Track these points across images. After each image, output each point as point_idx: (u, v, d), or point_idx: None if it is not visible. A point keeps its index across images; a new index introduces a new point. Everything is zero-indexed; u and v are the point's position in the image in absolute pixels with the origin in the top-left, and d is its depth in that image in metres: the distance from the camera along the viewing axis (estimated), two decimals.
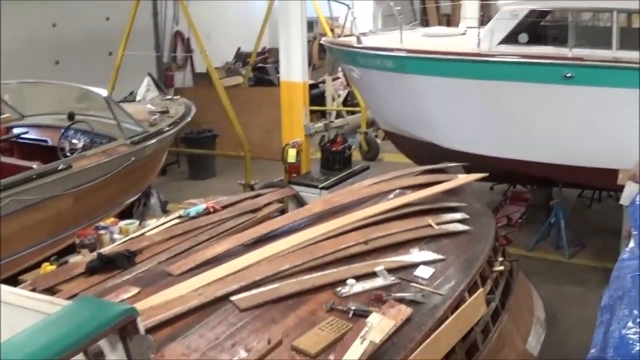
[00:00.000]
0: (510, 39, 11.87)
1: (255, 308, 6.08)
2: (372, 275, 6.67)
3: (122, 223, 9.03)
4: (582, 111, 11.35)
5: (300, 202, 11.19)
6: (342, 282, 6.51)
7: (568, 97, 11.33)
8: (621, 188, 9.39)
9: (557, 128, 11.62)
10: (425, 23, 24.30)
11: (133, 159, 11.88)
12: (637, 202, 7.80)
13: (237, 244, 7.61)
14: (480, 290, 6.85)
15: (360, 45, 13.44)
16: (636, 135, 10.86)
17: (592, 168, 11.50)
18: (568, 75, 11.17)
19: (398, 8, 14.10)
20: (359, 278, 6.60)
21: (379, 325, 5.55)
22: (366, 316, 5.75)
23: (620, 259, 6.80)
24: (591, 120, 11.33)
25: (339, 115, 20.05)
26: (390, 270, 6.76)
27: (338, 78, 21.31)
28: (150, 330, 5.48)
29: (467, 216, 8.52)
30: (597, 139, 11.35)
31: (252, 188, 14.36)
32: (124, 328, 3.72)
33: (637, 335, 5.40)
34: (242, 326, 5.78)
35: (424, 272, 6.86)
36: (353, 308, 5.94)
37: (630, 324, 5.51)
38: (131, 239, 8.18)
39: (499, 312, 7.31)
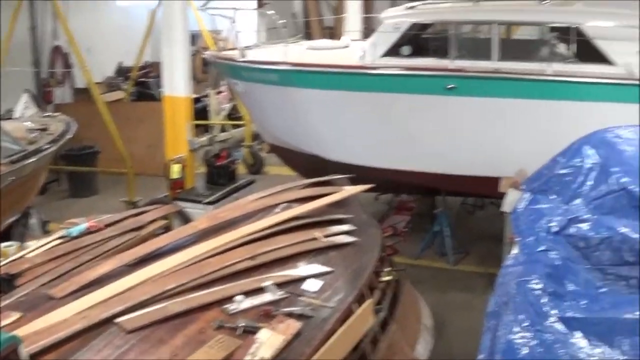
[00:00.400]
0: (393, 51, 12.02)
1: (141, 329, 5.95)
2: (261, 290, 6.62)
3: (1, 245, 8.74)
4: (465, 121, 11.59)
5: (185, 219, 11.05)
6: (230, 299, 6.45)
7: (450, 108, 11.54)
8: (503, 195, 9.59)
9: (441, 138, 11.82)
10: (308, 36, 24.41)
11: (12, 178, 11.51)
12: (519, 209, 7.95)
13: (121, 264, 7.43)
14: (369, 301, 6.89)
15: (244, 59, 13.38)
16: (517, 143, 11.19)
17: (475, 176, 11.73)
18: (450, 86, 11.39)
19: (282, 21, 14.12)
20: (247, 294, 6.54)
21: (268, 341, 5.53)
22: (255, 332, 5.71)
23: (504, 266, 6.92)
24: (473, 130, 11.59)
25: (223, 129, 19.93)
26: (279, 285, 6.73)
27: (222, 92, 21.19)
28: (35, 356, 5.32)
29: (353, 227, 8.55)
30: (480, 148, 11.61)
31: (135, 205, 14.13)
32: (7, 357, 3.58)
33: (523, 340, 5.51)
34: (129, 348, 5.66)
35: (312, 285, 6.86)
36: (242, 325, 5.89)
37: (516, 329, 5.62)
38: (11, 261, 7.89)
39: (388, 322, 7.37)
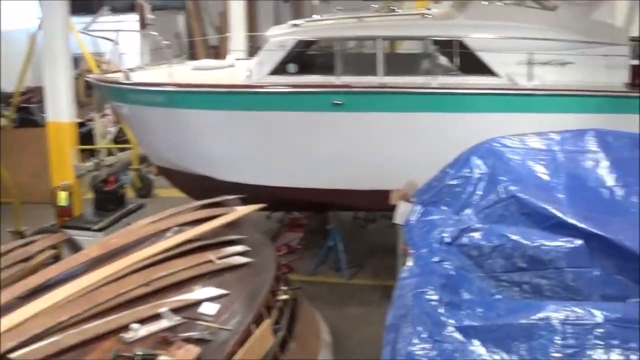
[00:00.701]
0: (280, 69, 12.04)
1: None
2: (157, 317, 6.51)
3: None
4: (353, 136, 11.69)
5: (75, 247, 10.76)
6: (126, 327, 6.31)
7: (338, 124, 11.63)
8: (394, 208, 9.69)
9: (330, 154, 11.88)
10: (193, 56, 24.25)
11: None
12: (411, 221, 8.03)
13: (11, 297, 7.20)
14: (267, 321, 6.87)
15: (128, 82, 13.17)
16: (406, 156, 11.34)
17: (366, 190, 11.84)
18: (337, 102, 11.47)
19: (165, 42, 13.97)
20: (143, 321, 6.42)
21: None
22: None
23: (400, 278, 6.97)
24: (362, 145, 11.70)
25: (109, 153, 19.57)
26: (175, 310, 6.64)
27: (107, 115, 20.82)
28: None
29: (247, 248, 8.51)
30: (369, 162, 11.72)
31: (22, 235, 13.70)
32: None
33: (423, 351, 5.57)
34: None
35: (209, 308, 6.78)
36: (139, 353, 5.78)
37: (415, 340, 5.67)
38: None
39: (287, 340, 7.35)
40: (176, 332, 6.23)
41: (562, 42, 11.68)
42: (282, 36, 12.33)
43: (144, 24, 15.51)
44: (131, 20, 17.07)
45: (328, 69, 12.00)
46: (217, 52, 24.83)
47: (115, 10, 19.69)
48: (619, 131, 8.42)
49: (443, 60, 12.07)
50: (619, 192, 7.78)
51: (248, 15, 22.79)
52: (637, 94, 11.55)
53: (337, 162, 11.84)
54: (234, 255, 8.25)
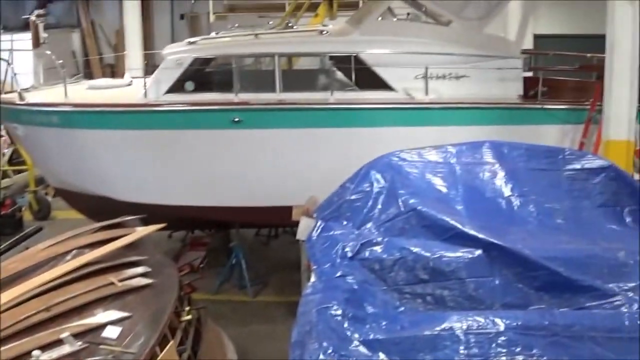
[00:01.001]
0: (177, 87, 11.95)
1: None
2: (59, 343, 6.35)
3: None
4: (253, 153, 11.69)
5: None
6: (28, 354, 6.14)
7: (238, 141, 11.61)
8: (297, 223, 9.70)
9: (230, 171, 11.84)
10: (89, 75, 23.86)
11: None
12: (313, 237, 8.03)
13: None
14: (171, 342, 6.77)
15: (22, 102, 12.86)
16: (306, 172, 11.38)
17: (268, 207, 11.81)
18: (236, 119, 11.46)
19: (60, 61, 13.69)
20: (44, 348, 6.25)
21: None
22: None
23: (304, 294, 6.95)
24: (262, 161, 11.71)
25: (5, 175, 19.09)
26: (77, 335, 6.48)
27: (1, 136, 20.32)
28: None
29: (149, 269, 8.38)
30: (270, 179, 11.73)
31: None
32: None
33: None
34: None
35: (111, 332, 6.65)
36: None
37: (321, 356, 5.65)
38: None
39: None
40: (79, 358, 6.09)
41: (457, 56, 11.94)
42: (178, 54, 12.24)
43: (37, 43, 15.16)
44: (25, 39, 16.71)
45: (226, 86, 11.97)
46: (114, 70, 24.52)
47: (8, 28, 19.29)
48: (514, 142, 8.64)
49: (340, 75, 12.14)
50: (516, 202, 7.98)
51: (144, 33, 22.57)
52: (530, 106, 11.89)
53: (238, 179, 11.82)
54: (135, 277, 8.10)
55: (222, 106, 11.70)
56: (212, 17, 20.74)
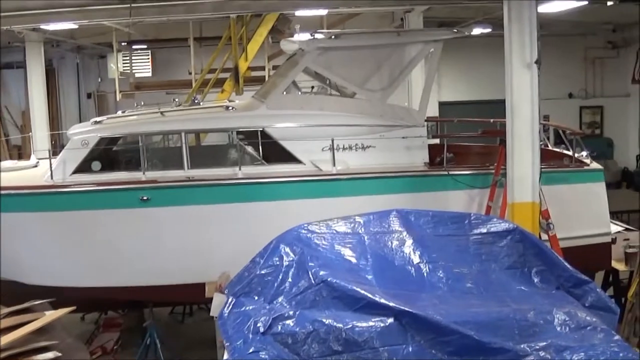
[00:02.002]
0: (84, 167, 11.84)
1: None
2: None
3: None
4: (163, 231, 11.59)
5: None
6: None
7: (147, 219, 11.52)
8: (211, 300, 9.61)
9: (141, 250, 11.70)
10: None
11: None
12: (225, 314, 7.95)
13: None
14: None
15: None
16: (218, 248, 11.31)
17: (180, 285, 11.67)
18: (144, 198, 11.38)
19: None
20: None
21: None
22: None
23: None
24: (173, 239, 11.61)
25: None
26: None
27: None
28: None
29: (59, 354, 8.16)
30: (182, 256, 11.62)
31: None
32: None
33: None
34: None
35: None
36: None
37: None
38: None
39: None
40: None
41: (363, 127, 12.13)
42: (84, 134, 12.13)
43: None
44: None
45: (134, 165, 11.96)
46: (21, 152, 24.12)
47: None
48: (420, 210, 8.75)
49: (248, 150, 12.21)
50: (425, 268, 8.06)
51: (51, 113, 22.37)
52: (436, 173, 12.07)
53: (149, 258, 11.68)
54: None
55: (130, 185, 11.61)
56: (118, 96, 20.62)
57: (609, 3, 14.57)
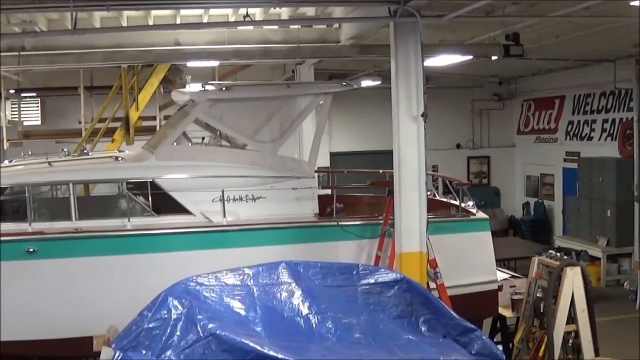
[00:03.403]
0: None
1: None
2: None
3: None
4: (50, 283, 11.32)
5: None
6: None
7: (33, 271, 11.25)
8: (99, 354, 9.44)
9: (27, 303, 11.37)
10: None
11: None
12: None
13: None
14: None
15: None
16: (106, 300, 11.12)
17: (67, 338, 11.40)
18: (30, 250, 11.14)
19: None
20: None
21: None
22: None
23: None
24: (60, 291, 11.35)
25: None
26: None
27: None
28: None
29: None
30: (68, 309, 11.35)
31: None
32: None
33: None
34: None
35: None
36: None
37: None
38: None
39: None
40: None
41: (253, 179, 12.19)
42: None
43: None
44: None
45: (20, 216, 11.70)
46: None
47: None
48: (309, 261, 8.83)
49: (138, 201, 12.10)
50: (314, 319, 8.13)
51: None
52: (325, 223, 12.18)
53: (34, 311, 11.37)
54: None
55: (15, 237, 11.31)
56: (6, 144, 20.20)
57: (493, 58, 15.02)
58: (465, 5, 10.99)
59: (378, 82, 19.03)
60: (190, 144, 13.49)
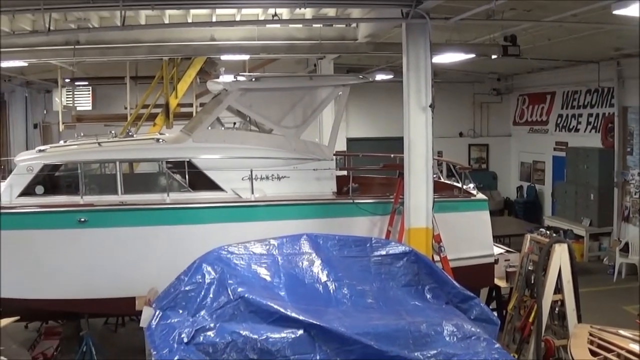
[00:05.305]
0: (29, 191, 11.61)
1: None
2: None
3: None
4: (98, 250, 11.38)
5: None
6: None
7: (84, 239, 11.32)
8: (141, 312, 9.46)
9: (79, 267, 11.45)
10: None
11: None
12: (152, 325, 7.86)
13: None
14: None
15: None
16: (147, 265, 11.15)
17: (113, 298, 11.44)
18: (82, 220, 11.17)
19: None
20: None
21: None
22: None
23: None
24: (107, 257, 11.40)
25: None
26: None
27: None
28: None
29: (5, 359, 7.93)
30: (114, 273, 11.40)
31: None
32: None
33: None
34: None
35: None
36: None
37: None
38: None
39: None
40: None
41: (278, 160, 12.16)
42: (29, 161, 11.91)
43: None
44: None
45: (73, 190, 11.79)
46: None
47: None
48: (328, 234, 8.83)
49: (176, 179, 12.13)
50: (332, 286, 8.13)
51: (1, 141, 21.87)
52: (342, 201, 12.14)
53: (86, 273, 11.44)
54: None
55: (69, 208, 11.39)
56: (61, 127, 20.28)
57: (494, 57, 14.90)
58: (469, 9, 10.92)
59: (390, 76, 18.86)
60: (223, 128, 13.46)
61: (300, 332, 7.23)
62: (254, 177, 11.89)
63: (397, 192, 11.93)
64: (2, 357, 8.02)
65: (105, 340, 13.66)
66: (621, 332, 9.24)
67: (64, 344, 13.25)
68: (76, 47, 14.02)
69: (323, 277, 8.14)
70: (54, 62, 17.39)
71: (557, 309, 10.57)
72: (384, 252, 8.64)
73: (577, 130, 22.00)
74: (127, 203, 11.58)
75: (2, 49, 13.58)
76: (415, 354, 7.32)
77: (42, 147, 12.92)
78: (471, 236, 12.52)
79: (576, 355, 8.64)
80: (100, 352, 12.28)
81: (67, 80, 21.84)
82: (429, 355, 7.37)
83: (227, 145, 12.27)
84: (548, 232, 11.27)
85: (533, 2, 11.94)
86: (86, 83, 23.22)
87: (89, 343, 12.24)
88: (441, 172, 15.30)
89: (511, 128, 26.46)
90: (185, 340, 7.22)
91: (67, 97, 22.57)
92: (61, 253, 11.43)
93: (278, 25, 14.91)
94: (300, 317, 7.25)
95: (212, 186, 11.89)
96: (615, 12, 8.99)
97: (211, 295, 7.65)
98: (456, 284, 8.65)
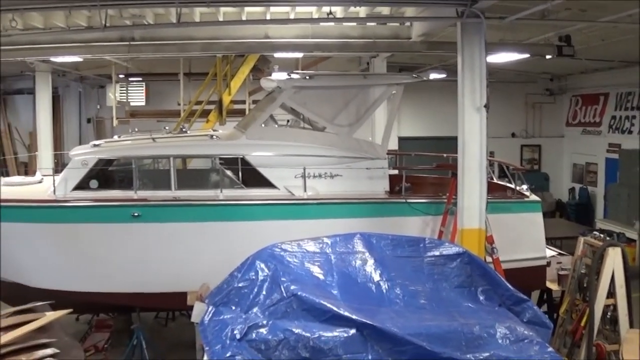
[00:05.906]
0: (83, 185, 11.75)
1: None
2: None
3: None
4: (151, 244, 11.50)
5: None
6: None
7: (137, 233, 11.44)
8: (191, 307, 9.51)
9: (131, 261, 11.59)
10: (5, 173, 23.12)
11: None
12: (205, 320, 7.88)
13: None
14: None
15: None
16: (199, 261, 11.21)
17: (164, 293, 11.54)
18: (135, 214, 11.29)
19: None
20: None
21: None
22: None
23: None
24: (159, 252, 11.52)
25: None
26: None
27: None
28: None
29: (57, 350, 8.01)
30: (167, 267, 11.51)
31: None
32: None
33: None
34: None
35: None
36: None
37: None
38: None
39: None
40: None
41: (331, 158, 12.11)
42: (84, 155, 12.06)
43: None
44: None
45: (127, 184, 11.91)
46: (27, 169, 23.91)
47: None
48: (381, 233, 8.75)
49: (229, 175, 12.17)
50: (384, 285, 8.06)
51: (55, 134, 22.19)
52: (395, 200, 12.06)
53: (137, 268, 11.57)
54: (45, 358, 7.72)
55: (123, 202, 11.54)
56: (115, 122, 20.54)
57: (548, 57, 14.70)
58: (524, 9, 10.80)
59: (443, 75, 18.72)
60: (276, 126, 13.49)
61: (353, 331, 7.17)
62: (306, 174, 11.89)
63: (450, 193, 11.83)
64: (54, 349, 8.10)
65: (156, 334, 13.78)
66: None
67: (114, 336, 13.40)
68: (131, 43, 14.17)
69: (376, 277, 8.07)
70: (108, 58, 17.60)
71: (609, 313, 10.38)
72: (437, 253, 8.54)
73: (630, 132, 21.59)
74: (180, 198, 11.66)
75: (58, 45, 13.83)
76: (468, 356, 7.23)
77: (96, 142, 13.06)
78: (524, 238, 12.37)
79: None
80: (150, 346, 12.40)
81: (120, 76, 22.10)
82: (481, 357, 7.28)
83: (281, 142, 12.28)
84: (602, 235, 11.08)
85: (589, 2, 11.73)
86: (140, 79, 23.47)
87: (139, 336, 12.37)
88: (494, 172, 15.15)
89: (564, 129, 26.09)
90: (238, 336, 7.21)
91: (120, 93, 22.85)
92: (114, 247, 11.57)
93: (332, 24, 14.88)
94: (353, 317, 7.20)
95: (265, 183, 11.90)
96: None
97: (264, 293, 7.63)
98: (509, 286, 8.52)
